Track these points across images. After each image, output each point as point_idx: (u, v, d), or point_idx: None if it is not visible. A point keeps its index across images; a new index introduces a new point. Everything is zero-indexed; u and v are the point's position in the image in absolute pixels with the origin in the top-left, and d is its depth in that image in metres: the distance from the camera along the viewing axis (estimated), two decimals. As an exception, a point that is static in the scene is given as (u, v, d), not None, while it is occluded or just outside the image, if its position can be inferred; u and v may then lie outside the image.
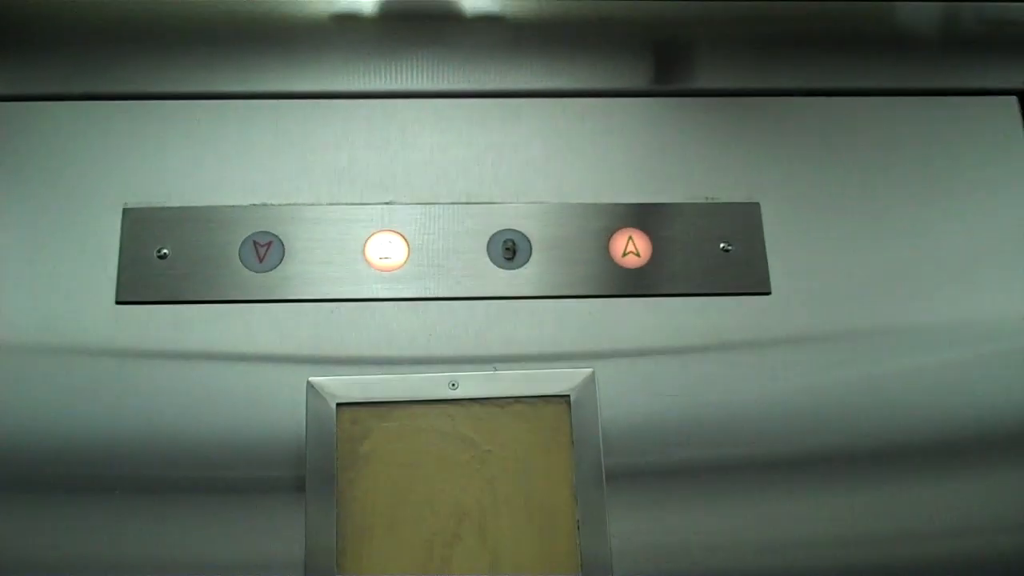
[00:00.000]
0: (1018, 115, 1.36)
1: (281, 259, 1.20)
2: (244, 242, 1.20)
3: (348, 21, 1.33)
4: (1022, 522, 1.19)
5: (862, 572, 1.16)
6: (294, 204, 1.22)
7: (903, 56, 1.38)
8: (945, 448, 1.20)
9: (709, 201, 1.27)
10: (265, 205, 1.22)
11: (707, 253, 1.24)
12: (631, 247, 1.23)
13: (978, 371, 1.23)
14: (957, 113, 1.35)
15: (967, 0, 1.42)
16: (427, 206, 1.24)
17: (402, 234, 1.22)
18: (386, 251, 1.21)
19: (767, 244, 1.26)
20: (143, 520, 1.10)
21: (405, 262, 1.21)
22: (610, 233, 1.24)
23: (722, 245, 1.25)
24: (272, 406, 1.14)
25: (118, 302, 1.17)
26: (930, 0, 1.42)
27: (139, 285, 1.18)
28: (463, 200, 1.24)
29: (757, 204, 1.27)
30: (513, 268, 1.22)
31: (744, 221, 1.26)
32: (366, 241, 1.21)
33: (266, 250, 1.20)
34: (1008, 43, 1.40)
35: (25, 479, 1.11)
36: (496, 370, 1.17)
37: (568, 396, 1.16)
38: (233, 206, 1.22)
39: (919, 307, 1.25)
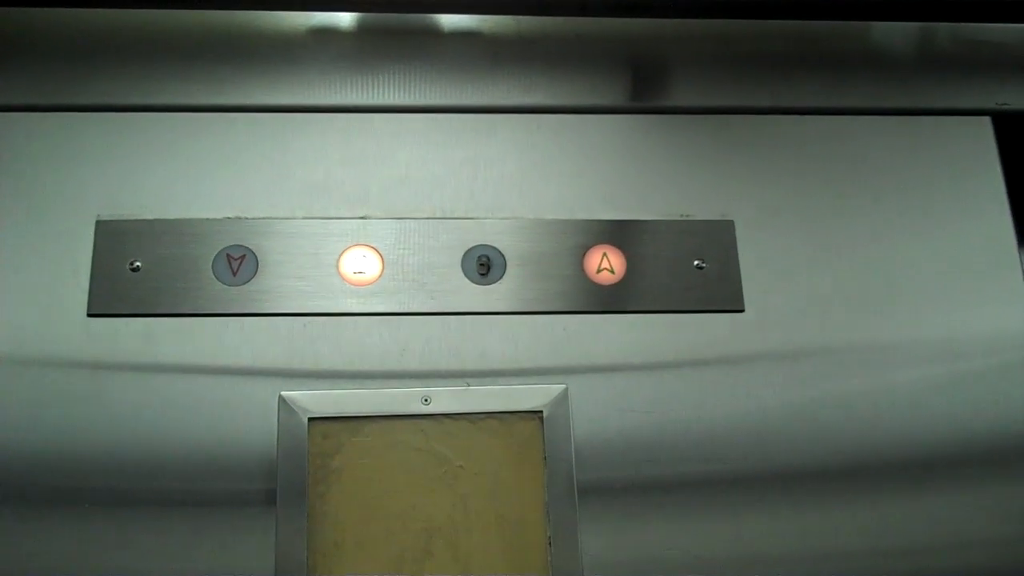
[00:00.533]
0: (991, 135, 1.36)
1: (255, 273, 1.19)
2: (217, 255, 1.20)
3: (325, 35, 1.33)
4: (994, 538, 1.19)
5: (834, 589, 1.16)
6: (268, 218, 1.22)
7: (878, 75, 1.39)
8: (917, 464, 1.21)
9: (684, 218, 1.27)
10: (239, 219, 1.22)
11: (681, 270, 1.24)
12: (605, 263, 1.23)
13: (950, 388, 1.24)
14: (931, 132, 1.36)
15: (942, 21, 1.43)
16: (402, 221, 1.23)
17: (376, 249, 1.22)
18: (360, 266, 1.21)
19: (741, 262, 1.26)
20: (112, 533, 1.10)
21: (379, 277, 1.21)
22: (585, 249, 1.24)
23: (696, 262, 1.25)
24: (244, 420, 1.14)
25: (90, 314, 1.16)
26: (905, 20, 1.43)
27: (111, 297, 1.17)
28: (438, 215, 1.24)
29: (731, 222, 1.28)
30: (487, 284, 1.22)
31: (718, 239, 1.26)
32: (340, 255, 1.21)
33: (240, 263, 1.19)
34: (982, 64, 1.41)
35: (-6, 491, 1.10)
36: (469, 386, 1.16)
37: (541, 412, 1.15)
38: (207, 219, 1.21)
39: (892, 324, 1.26)
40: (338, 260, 1.21)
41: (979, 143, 1.36)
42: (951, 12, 1.41)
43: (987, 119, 1.37)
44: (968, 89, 1.39)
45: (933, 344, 1.25)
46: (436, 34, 1.35)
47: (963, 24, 1.44)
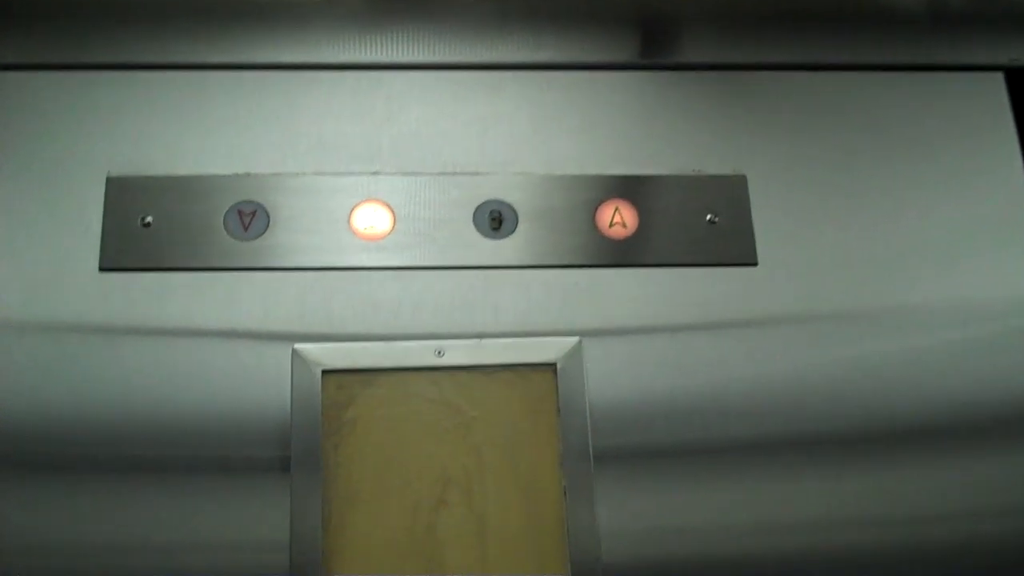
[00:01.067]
0: (1004, 91, 1.36)
1: (266, 228, 1.19)
2: (229, 211, 1.19)
3: (333, -6, 1.33)
4: (1011, 505, 1.19)
5: (852, 554, 1.15)
6: (279, 173, 1.22)
7: (890, 31, 1.38)
8: (934, 429, 1.20)
9: (696, 173, 1.27)
10: (250, 174, 1.21)
11: (693, 225, 1.24)
12: (617, 218, 1.23)
13: (968, 351, 1.23)
14: (944, 88, 1.35)
15: (954, -24, 1.43)
16: (413, 176, 1.23)
17: (387, 204, 1.21)
18: (371, 220, 1.20)
19: (754, 216, 1.25)
20: (125, 498, 1.09)
21: (391, 231, 1.20)
22: (596, 204, 1.23)
23: (708, 217, 1.24)
24: (257, 375, 1.14)
25: (102, 269, 1.16)
26: (916, -25, 1.42)
27: (123, 253, 1.17)
28: (449, 171, 1.24)
29: (744, 177, 1.27)
30: (499, 238, 1.21)
31: (731, 193, 1.26)
32: (351, 210, 1.21)
33: (251, 219, 1.19)
34: (995, 19, 1.40)
35: (5, 455, 1.10)
36: (482, 339, 1.16)
37: (555, 364, 1.15)
38: (217, 175, 1.21)
39: (904, 287, 1.25)
40: (349, 215, 1.20)
41: (992, 99, 1.35)
42: (963, -33, 1.40)
43: (1000, 75, 1.37)
44: (980, 44, 1.38)
45: (946, 307, 1.25)
46: (444, -8, 1.35)
47: (975, -22, 1.43)
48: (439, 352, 1.14)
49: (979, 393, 1.22)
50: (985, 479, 1.19)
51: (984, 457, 1.20)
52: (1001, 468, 1.20)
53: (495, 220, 1.22)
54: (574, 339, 1.17)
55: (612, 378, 1.18)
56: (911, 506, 1.17)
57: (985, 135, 1.34)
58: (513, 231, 1.21)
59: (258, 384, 1.13)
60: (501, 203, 1.22)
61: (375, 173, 1.23)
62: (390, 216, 1.21)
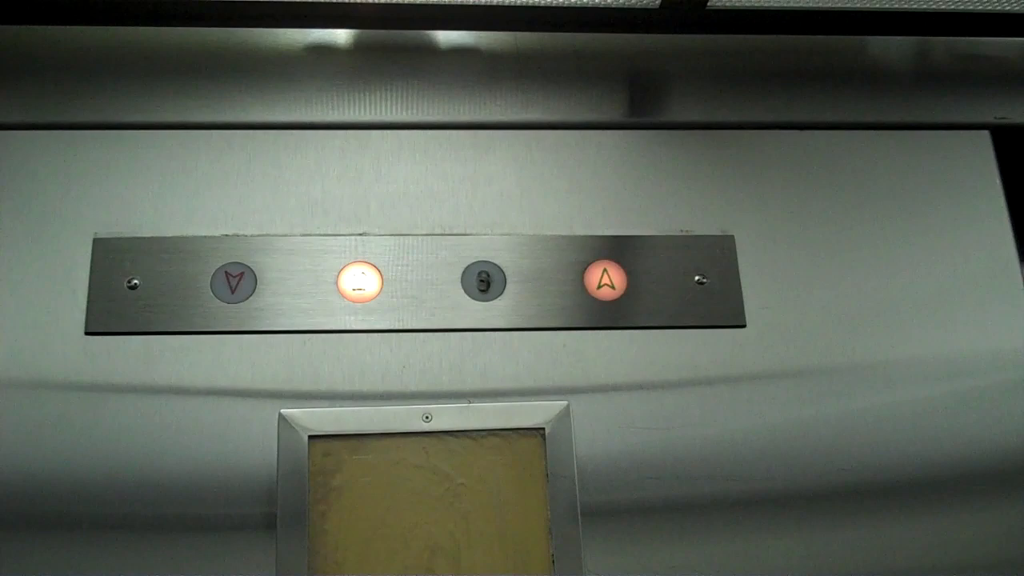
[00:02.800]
0: (990, 149, 1.37)
1: (253, 290, 1.19)
2: (216, 273, 1.19)
3: (322, 52, 1.33)
4: (998, 557, 1.19)
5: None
6: (266, 235, 1.21)
7: (877, 90, 1.39)
8: (921, 483, 1.20)
9: (684, 233, 1.27)
10: (237, 236, 1.21)
11: (682, 286, 1.24)
12: (606, 279, 1.23)
13: (953, 405, 1.23)
14: (931, 147, 1.36)
15: (940, 35, 1.44)
16: (401, 237, 1.23)
17: (375, 265, 1.21)
18: (359, 282, 1.20)
19: (742, 277, 1.26)
20: (111, 555, 1.09)
21: (378, 293, 1.20)
22: (585, 265, 1.24)
23: (697, 278, 1.24)
24: (244, 438, 1.13)
25: (88, 332, 1.16)
26: (903, 35, 1.43)
27: (109, 316, 1.16)
28: (437, 231, 1.24)
29: (732, 237, 1.27)
30: (487, 300, 1.21)
31: (719, 254, 1.26)
32: (339, 272, 1.20)
33: (238, 281, 1.19)
34: (980, 78, 1.42)
35: (-10, 514, 1.09)
36: (470, 403, 1.16)
37: (543, 429, 1.15)
38: (205, 236, 1.21)
39: (893, 341, 1.26)
40: (337, 277, 1.20)
41: (978, 157, 1.36)
42: (949, 26, 1.41)
43: (986, 133, 1.38)
44: (967, 103, 1.39)
45: (935, 361, 1.25)
46: (433, 51, 1.35)
47: (961, 38, 1.44)
48: (426, 417, 1.14)
49: (966, 446, 1.22)
50: (974, 531, 1.19)
51: (973, 509, 1.20)
52: (990, 519, 1.20)
53: (483, 282, 1.21)
54: (562, 403, 1.16)
55: (601, 440, 1.17)
56: (900, 559, 1.17)
57: (972, 192, 1.34)
58: (501, 293, 1.21)
59: (245, 447, 1.13)
60: (489, 264, 1.22)
61: (363, 234, 1.23)
62: (378, 278, 1.20)
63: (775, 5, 1.33)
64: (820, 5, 1.34)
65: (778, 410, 1.21)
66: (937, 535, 1.18)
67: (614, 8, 1.32)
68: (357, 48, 1.35)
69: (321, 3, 1.29)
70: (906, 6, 1.35)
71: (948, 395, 1.24)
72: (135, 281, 1.18)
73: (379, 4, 1.30)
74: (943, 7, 1.36)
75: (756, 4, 1.33)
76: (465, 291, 1.21)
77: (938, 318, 1.28)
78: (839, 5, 1.35)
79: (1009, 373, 1.26)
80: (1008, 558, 1.19)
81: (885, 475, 1.20)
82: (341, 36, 1.34)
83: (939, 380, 1.25)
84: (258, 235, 1.21)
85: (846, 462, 1.20)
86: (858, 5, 1.35)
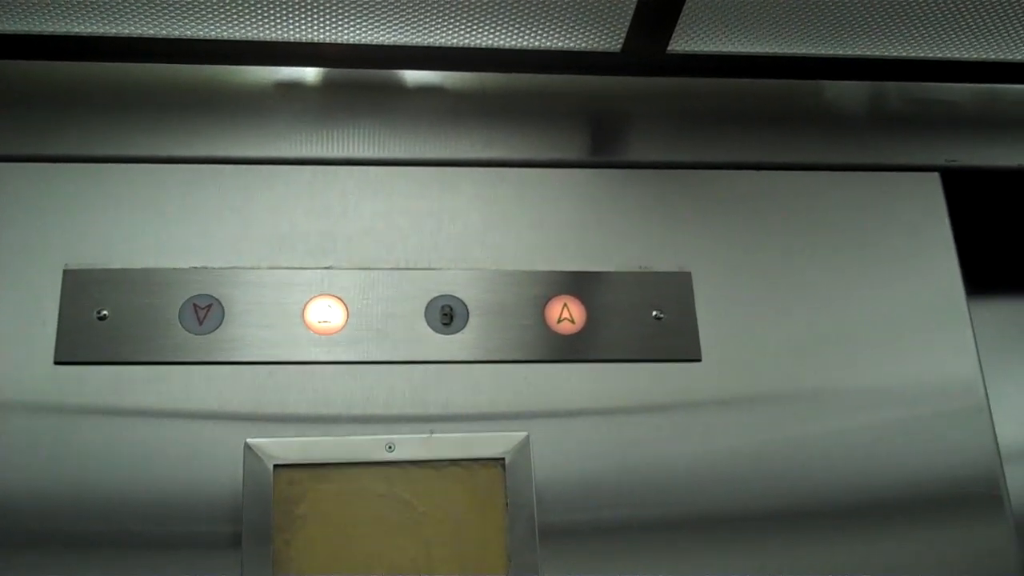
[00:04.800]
0: (940, 190, 1.40)
1: (221, 322, 1.21)
2: (184, 304, 1.21)
3: (291, 90, 1.35)
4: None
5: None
6: (234, 268, 1.23)
7: (831, 133, 1.43)
8: (870, 508, 1.23)
9: (642, 270, 1.30)
10: (205, 268, 1.23)
11: (640, 320, 1.27)
12: (566, 314, 1.26)
13: (901, 434, 1.27)
14: (883, 187, 1.40)
15: (892, 80, 1.47)
16: (366, 271, 1.25)
17: (341, 298, 1.23)
18: (325, 315, 1.22)
19: (698, 312, 1.29)
20: (79, 571, 1.10)
21: (343, 326, 1.22)
22: (545, 300, 1.26)
23: (654, 313, 1.27)
24: (210, 466, 1.15)
25: (57, 362, 1.17)
26: (856, 79, 1.47)
27: (78, 346, 1.18)
28: (402, 266, 1.26)
29: (688, 273, 1.30)
30: (450, 333, 1.23)
31: (676, 290, 1.29)
32: (305, 305, 1.23)
33: (206, 313, 1.21)
34: (931, 122, 1.46)
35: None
36: (432, 433, 1.18)
37: (503, 459, 1.17)
38: (173, 268, 1.23)
39: (844, 373, 1.29)
40: (303, 309, 1.22)
41: (928, 198, 1.40)
42: (901, 72, 1.45)
43: (936, 175, 1.42)
44: (918, 146, 1.43)
45: (884, 391, 1.29)
46: (401, 90, 1.38)
47: (912, 83, 1.48)
48: (390, 447, 1.16)
49: (914, 473, 1.25)
50: (924, 553, 1.22)
51: (920, 534, 1.23)
52: (939, 543, 1.23)
53: (447, 315, 1.24)
54: (522, 434, 1.19)
55: (560, 466, 1.20)
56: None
57: (922, 231, 1.38)
58: (464, 326, 1.24)
59: (210, 474, 1.15)
60: (452, 298, 1.25)
61: (329, 268, 1.25)
62: (343, 311, 1.23)
63: (734, 50, 1.38)
64: (777, 51, 1.38)
65: (732, 437, 1.24)
66: (885, 559, 1.21)
67: (577, 52, 1.36)
68: (325, 86, 1.37)
69: (290, 43, 1.32)
70: (860, 52, 1.40)
71: (898, 422, 1.28)
72: (104, 312, 1.19)
73: (347, 45, 1.33)
74: (896, 54, 1.40)
75: (715, 49, 1.37)
76: (428, 324, 1.23)
77: (889, 349, 1.31)
78: (796, 51, 1.39)
79: (956, 401, 1.30)
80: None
81: (835, 500, 1.23)
82: (309, 74, 1.37)
83: (889, 407, 1.28)
84: (226, 268, 1.23)
85: (797, 488, 1.23)
86: (814, 51, 1.39)
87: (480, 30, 1.32)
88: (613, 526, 1.18)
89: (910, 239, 1.37)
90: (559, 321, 1.25)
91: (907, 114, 1.47)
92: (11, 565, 1.10)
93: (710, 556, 1.19)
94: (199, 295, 1.21)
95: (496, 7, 1.28)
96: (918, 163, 1.42)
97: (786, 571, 1.19)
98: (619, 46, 1.34)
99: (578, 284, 1.28)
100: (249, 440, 1.15)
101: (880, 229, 1.37)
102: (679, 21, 1.30)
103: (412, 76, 1.39)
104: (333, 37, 1.31)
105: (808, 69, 1.44)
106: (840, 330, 1.31)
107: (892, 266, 1.35)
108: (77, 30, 1.28)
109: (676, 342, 1.27)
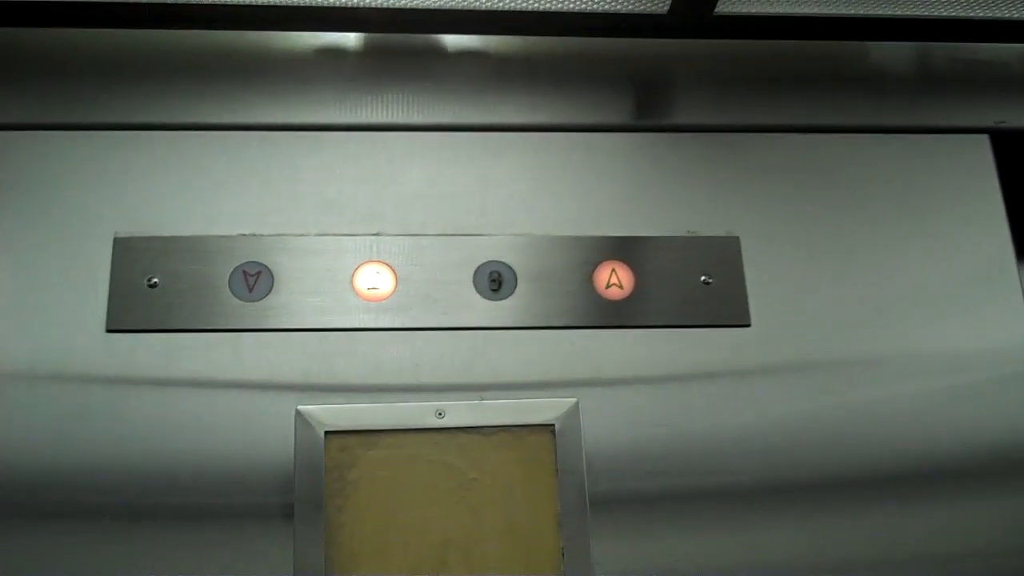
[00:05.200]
0: (989, 153, 1.39)
1: (270, 289, 1.21)
2: (234, 272, 1.21)
3: (335, 55, 1.35)
4: (996, 548, 1.22)
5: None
6: (283, 235, 1.24)
7: (878, 94, 1.41)
8: (921, 475, 1.23)
9: (690, 235, 1.29)
10: (254, 235, 1.23)
11: (688, 285, 1.27)
12: (614, 279, 1.26)
13: (952, 401, 1.26)
14: (931, 150, 1.39)
15: (941, 41, 1.46)
16: (414, 237, 1.25)
17: (390, 265, 1.24)
18: (374, 281, 1.23)
19: (747, 277, 1.28)
20: (131, 546, 1.11)
21: (392, 292, 1.22)
22: (593, 265, 1.26)
23: (703, 278, 1.27)
24: (261, 434, 1.16)
25: (108, 330, 1.18)
26: (904, 40, 1.45)
27: (129, 314, 1.19)
28: (450, 232, 1.26)
29: (737, 238, 1.30)
30: (498, 299, 1.24)
31: (724, 254, 1.29)
32: (354, 271, 1.23)
33: (255, 280, 1.21)
34: (980, 82, 1.44)
35: (14, 505, 1.12)
36: (482, 400, 1.18)
37: (553, 425, 1.17)
38: (223, 236, 1.23)
39: (894, 338, 1.28)
40: (352, 276, 1.22)
41: (978, 161, 1.39)
42: (949, 32, 1.43)
43: (985, 137, 1.40)
44: (966, 108, 1.42)
45: (935, 357, 1.28)
46: (444, 54, 1.37)
47: (961, 44, 1.46)
48: (439, 413, 1.16)
49: (965, 440, 1.25)
50: (972, 523, 1.22)
51: (972, 502, 1.23)
52: (988, 512, 1.23)
53: (495, 281, 1.24)
54: (571, 400, 1.18)
55: (608, 434, 1.20)
56: (900, 550, 1.20)
57: (971, 194, 1.37)
58: (512, 292, 1.24)
59: (262, 442, 1.16)
60: (500, 264, 1.25)
61: (377, 234, 1.25)
62: (392, 277, 1.23)
63: (781, 11, 1.36)
64: (824, 12, 1.37)
65: (781, 405, 1.24)
66: (936, 526, 1.21)
67: (623, 13, 1.34)
68: (369, 51, 1.37)
69: (332, 7, 1.31)
70: (908, 13, 1.38)
71: (946, 390, 1.27)
72: (155, 280, 1.20)
73: (389, 8, 1.32)
74: (944, 14, 1.38)
75: (762, 10, 1.36)
76: (477, 290, 1.24)
77: (937, 316, 1.30)
78: (843, 11, 1.37)
79: (1005, 369, 1.29)
80: (1003, 548, 1.22)
81: (886, 469, 1.23)
82: (352, 40, 1.37)
83: (938, 375, 1.27)
84: (275, 235, 1.24)
85: (848, 456, 1.22)
86: (861, 12, 1.37)
87: (525, -7, 1.31)
88: (662, 493, 1.18)
89: (959, 202, 1.36)
90: (607, 287, 1.25)
91: (955, 75, 1.45)
92: (63, 536, 1.11)
93: (759, 524, 1.19)
94: (248, 262, 1.22)
95: (542, -30, 1.27)
96: (967, 125, 1.41)
97: (835, 538, 1.19)
98: (666, 8, 1.33)
99: (626, 249, 1.27)
100: (300, 407, 1.15)
101: (929, 192, 1.36)
102: (727, -18, 1.29)
103: (456, 40, 1.38)
104: (377, 2, 1.30)
105: (856, 30, 1.42)
106: (889, 295, 1.30)
107: (941, 230, 1.34)
108: (124, -3, 1.29)
109: (725, 307, 1.26)
